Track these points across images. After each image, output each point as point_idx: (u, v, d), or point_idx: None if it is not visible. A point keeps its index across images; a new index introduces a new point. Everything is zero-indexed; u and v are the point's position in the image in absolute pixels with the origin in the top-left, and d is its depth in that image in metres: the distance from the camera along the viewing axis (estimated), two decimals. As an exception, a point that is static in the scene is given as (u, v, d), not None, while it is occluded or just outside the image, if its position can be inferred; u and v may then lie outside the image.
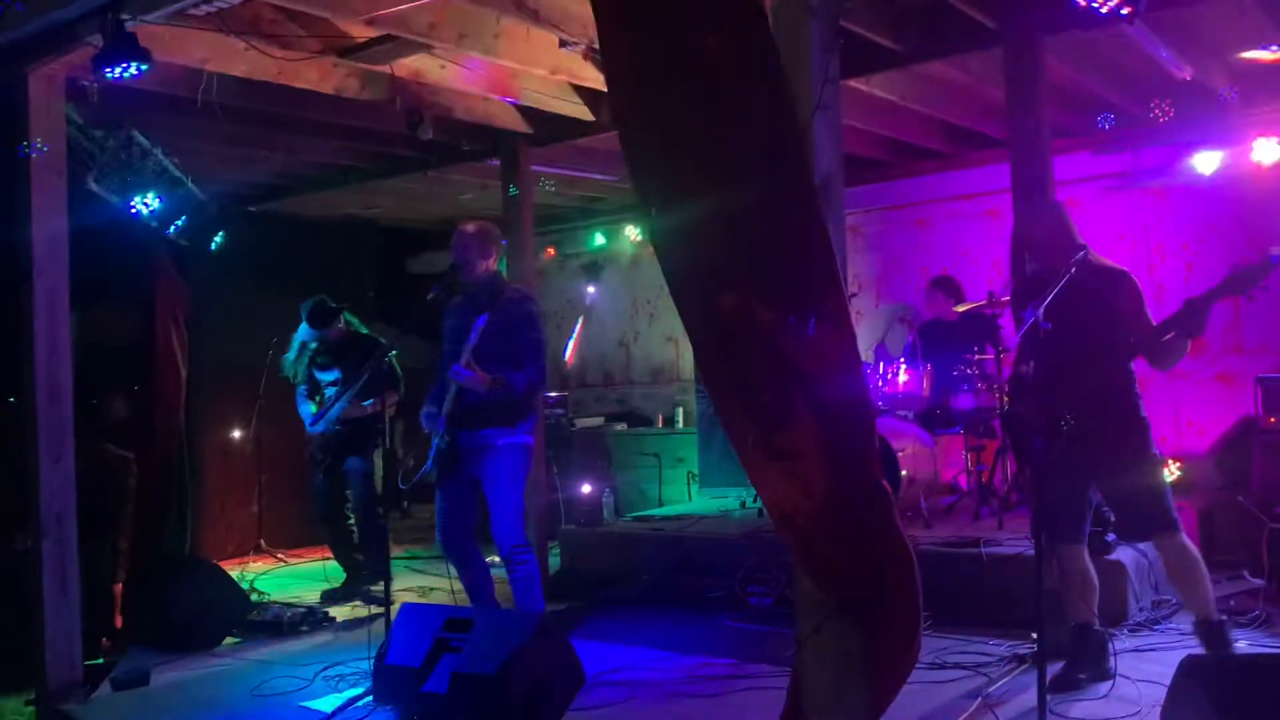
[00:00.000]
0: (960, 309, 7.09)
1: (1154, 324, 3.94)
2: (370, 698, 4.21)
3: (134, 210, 5.72)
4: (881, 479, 2.59)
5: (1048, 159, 4.79)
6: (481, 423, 4.75)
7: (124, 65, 4.01)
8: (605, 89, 5.73)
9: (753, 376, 2.48)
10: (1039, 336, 3.83)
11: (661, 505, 8.27)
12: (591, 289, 10.01)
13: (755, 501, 7.12)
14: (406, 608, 4.40)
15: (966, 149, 7.53)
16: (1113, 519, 4.92)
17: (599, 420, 9.54)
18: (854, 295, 7.35)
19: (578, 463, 8.56)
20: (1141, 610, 5.02)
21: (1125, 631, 4.74)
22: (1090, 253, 4.06)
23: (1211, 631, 3.95)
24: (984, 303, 6.62)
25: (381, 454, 6.18)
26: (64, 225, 4.66)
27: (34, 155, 4.51)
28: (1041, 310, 4.11)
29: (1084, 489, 4.14)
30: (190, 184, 6.10)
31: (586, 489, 7.27)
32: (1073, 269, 3.87)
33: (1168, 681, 3.23)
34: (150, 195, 5.73)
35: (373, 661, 4.19)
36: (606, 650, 4.94)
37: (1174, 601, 5.19)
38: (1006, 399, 4.52)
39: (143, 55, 4.01)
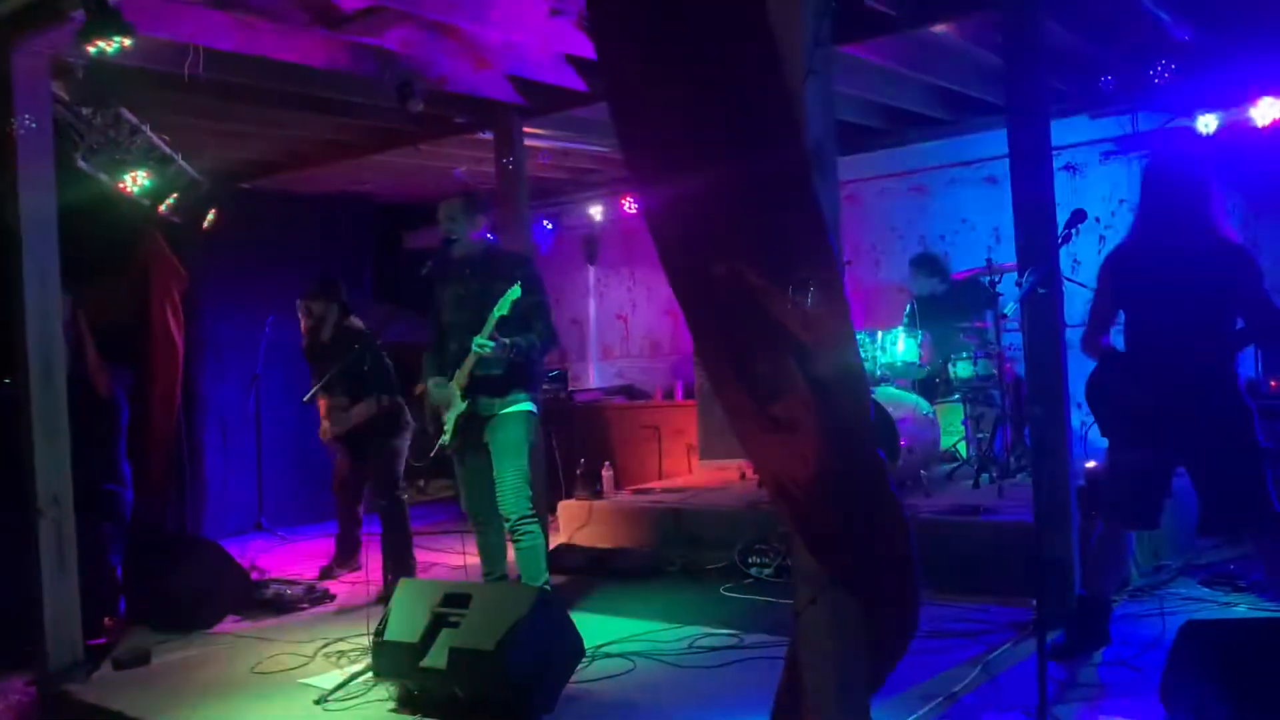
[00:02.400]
0: (958, 275, 7.06)
1: (1272, 303, 3.66)
2: (370, 674, 4.22)
3: (124, 188, 5.67)
4: (876, 449, 2.57)
5: (1046, 124, 4.74)
6: (488, 391, 4.78)
7: (108, 39, 3.95)
8: (596, 58, 5.70)
9: (747, 347, 2.45)
10: (1137, 305, 3.62)
11: (661, 477, 8.28)
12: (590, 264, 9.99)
13: (754, 473, 7.12)
14: (405, 583, 4.40)
15: (964, 115, 7.46)
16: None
17: (598, 393, 9.54)
18: (849, 264, 7.31)
19: (578, 435, 8.56)
20: (1142, 575, 5.02)
21: (1126, 597, 4.74)
22: (1218, 223, 3.73)
23: None
24: (983, 269, 6.60)
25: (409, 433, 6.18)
26: (52, 203, 4.61)
27: (20, 132, 4.46)
28: (1039, 277, 4.04)
29: (1164, 473, 3.88)
30: (181, 161, 6.05)
31: (586, 461, 7.26)
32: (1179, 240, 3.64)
33: (1168, 646, 3.22)
34: (139, 173, 5.69)
35: (372, 638, 4.19)
36: (607, 622, 4.95)
37: (1174, 567, 5.20)
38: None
39: (125, 27, 3.95)
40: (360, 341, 6.02)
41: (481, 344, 4.63)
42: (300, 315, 6.50)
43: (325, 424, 6.30)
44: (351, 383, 6.03)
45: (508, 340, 4.66)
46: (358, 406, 6.11)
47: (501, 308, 4.63)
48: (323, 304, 6.38)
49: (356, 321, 6.36)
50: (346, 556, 6.56)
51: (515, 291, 4.65)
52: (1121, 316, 4.01)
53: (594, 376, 10.04)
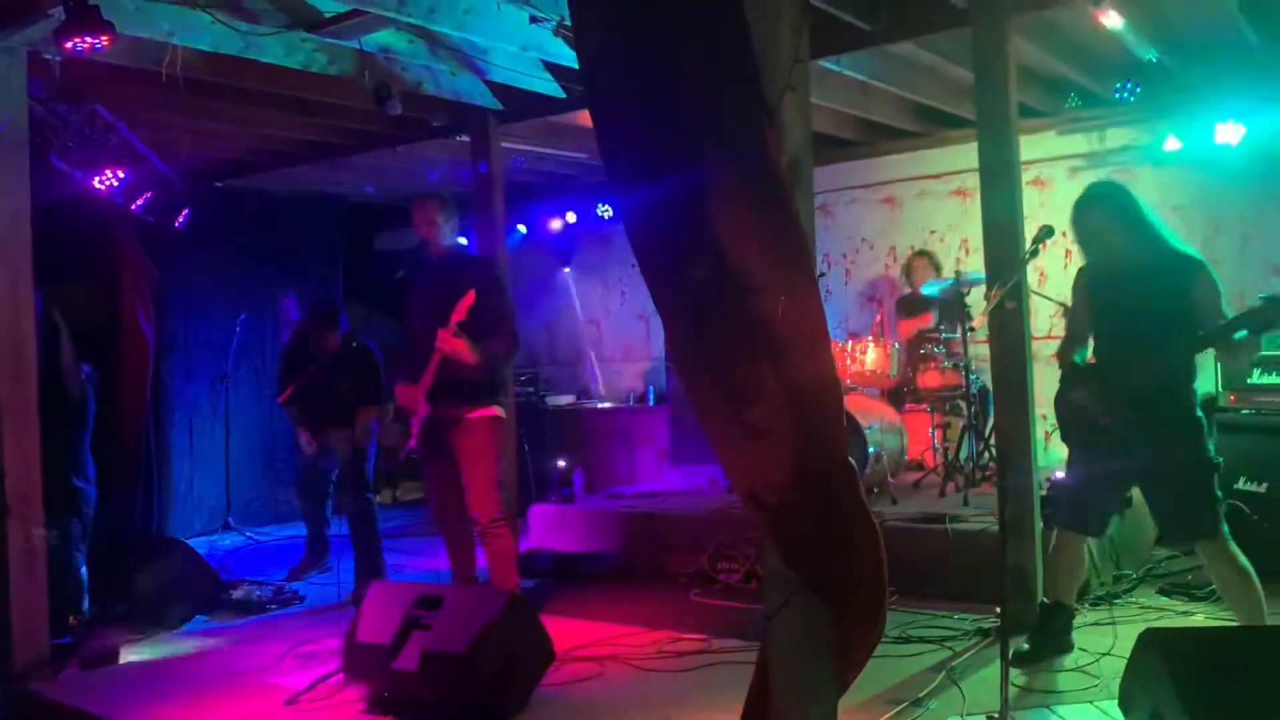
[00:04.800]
0: (927, 289, 7.16)
1: (1225, 315, 3.72)
2: (340, 675, 4.22)
3: (98, 186, 5.64)
4: (848, 455, 2.62)
5: (1015, 139, 4.83)
6: (453, 396, 4.79)
7: (86, 38, 3.94)
8: (575, 65, 5.73)
9: (723, 352, 2.49)
10: (1101, 323, 3.75)
11: (632, 482, 8.31)
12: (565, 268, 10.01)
13: (725, 479, 7.17)
14: (377, 585, 4.41)
15: (935, 129, 7.58)
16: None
17: (570, 397, 9.56)
18: (823, 275, 7.40)
19: (549, 440, 8.58)
20: (1103, 585, 5.11)
21: (1087, 605, 4.82)
22: (1163, 238, 3.86)
23: None
24: (951, 281, 6.69)
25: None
26: (26, 201, 4.59)
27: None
28: (1006, 290, 4.15)
29: (1122, 485, 4.00)
30: (155, 160, 6.02)
31: (558, 466, 7.28)
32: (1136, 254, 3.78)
33: (1127, 654, 3.30)
34: (115, 170, 5.65)
35: (343, 639, 4.20)
36: (577, 626, 4.98)
37: (1134, 576, 5.30)
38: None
39: (105, 26, 3.95)
40: (369, 356, 6.09)
41: (444, 342, 4.60)
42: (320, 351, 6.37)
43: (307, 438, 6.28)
44: (356, 393, 6.05)
45: (476, 346, 4.65)
46: (369, 415, 6.12)
47: (459, 311, 4.63)
48: (329, 335, 6.34)
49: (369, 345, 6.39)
50: (316, 558, 6.54)
51: (473, 297, 4.64)
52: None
53: (566, 380, 10.06)
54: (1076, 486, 4.06)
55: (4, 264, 4.53)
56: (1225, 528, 3.78)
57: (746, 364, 2.50)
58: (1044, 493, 4.88)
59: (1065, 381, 4.10)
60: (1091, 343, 4.13)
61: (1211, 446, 3.86)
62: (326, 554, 6.53)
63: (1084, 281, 4.12)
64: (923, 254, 7.52)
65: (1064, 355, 4.15)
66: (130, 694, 4.33)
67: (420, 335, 4.89)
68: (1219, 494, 3.81)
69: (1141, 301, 3.81)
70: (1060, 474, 4.33)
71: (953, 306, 6.71)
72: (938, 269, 7.39)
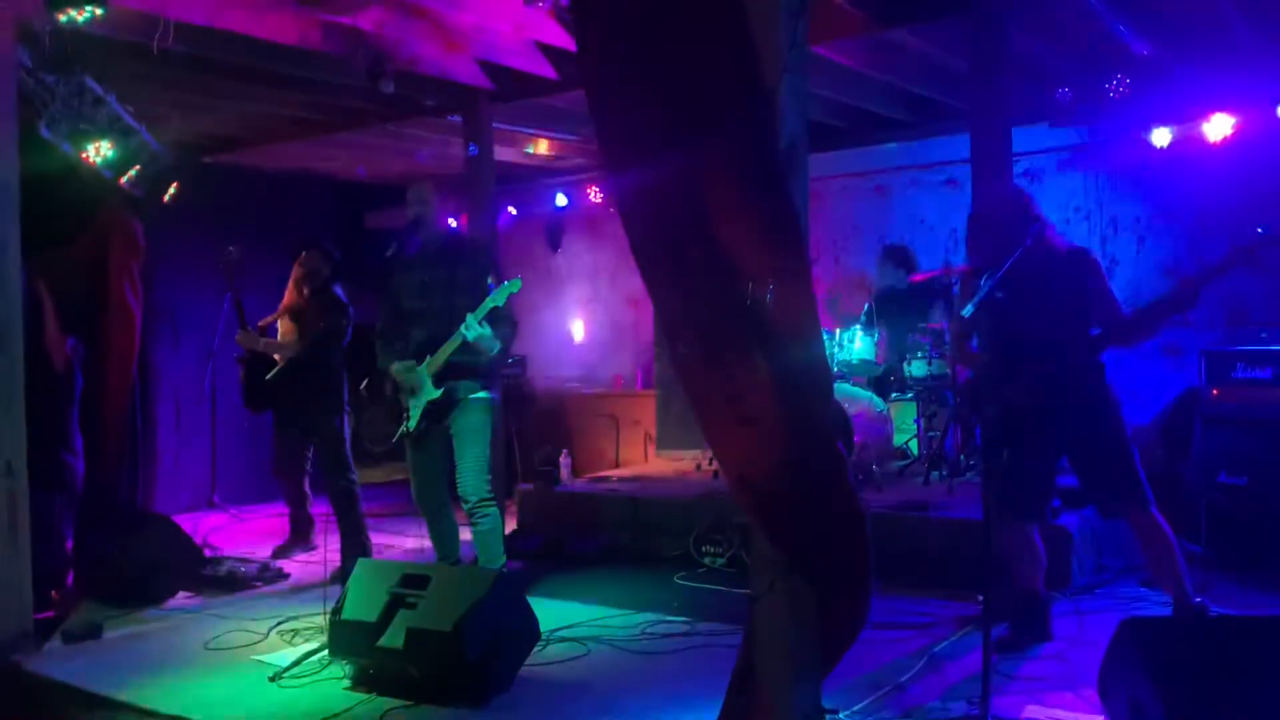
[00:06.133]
0: (916, 277, 7.17)
1: (1116, 300, 3.98)
2: (325, 652, 4.23)
3: (87, 158, 5.60)
4: (836, 441, 2.65)
5: (1007, 130, 4.86)
6: (458, 377, 4.82)
7: (78, 8, 3.91)
8: (569, 47, 5.72)
9: (715, 336, 2.51)
10: (995, 313, 3.85)
11: (618, 466, 8.33)
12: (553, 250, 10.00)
13: (710, 464, 7.20)
14: (363, 563, 4.42)
15: (927, 118, 7.58)
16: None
17: (557, 381, 9.57)
18: (815, 262, 7.42)
19: (535, 423, 8.59)
20: (1084, 575, 5.16)
21: (1068, 595, 4.87)
22: (1048, 230, 4.06)
23: (1188, 612, 3.98)
24: (940, 271, 6.72)
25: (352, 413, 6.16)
26: (14, 171, 4.56)
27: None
28: (995, 282, 4.19)
29: (1049, 467, 4.17)
30: (144, 133, 5.98)
31: (544, 449, 7.30)
32: (1028, 243, 3.90)
33: (1106, 643, 3.34)
34: (103, 143, 5.61)
35: (328, 616, 4.21)
36: (562, 607, 4.99)
37: (1115, 567, 5.35)
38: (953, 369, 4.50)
39: (99, -1, 3.92)
40: (343, 313, 6.00)
41: (470, 327, 4.63)
42: (296, 269, 6.34)
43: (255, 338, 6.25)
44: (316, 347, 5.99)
45: (488, 331, 4.69)
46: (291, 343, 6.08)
47: (498, 298, 4.67)
48: (318, 258, 6.29)
49: (339, 292, 6.31)
50: (301, 536, 6.54)
51: (516, 285, 4.73)
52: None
53: (554, 364, 10.07)
54: (1013, 477, 4.10)
55: (-8, 234, 4.50)
56: (1149, 497, 3.99)
57: (738, 349, 2.52)
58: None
59: (974, 377, 4.31)
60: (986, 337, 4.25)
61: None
62: (311, 530, 6.53)
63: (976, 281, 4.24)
64: (892, 252, 7.47)
65: (960, 349, 4.37)
66: (113, 668, 4.33)
67: (414, 316, 4.91)
68: (1139, 467, 4.01)
69: (1037, 292, 3.95)
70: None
71: (940, 296, 6.74)
72: (908, 267, 7.34)
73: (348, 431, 6.10)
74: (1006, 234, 4.03)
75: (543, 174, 9.63)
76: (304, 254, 6.35)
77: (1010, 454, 4.06)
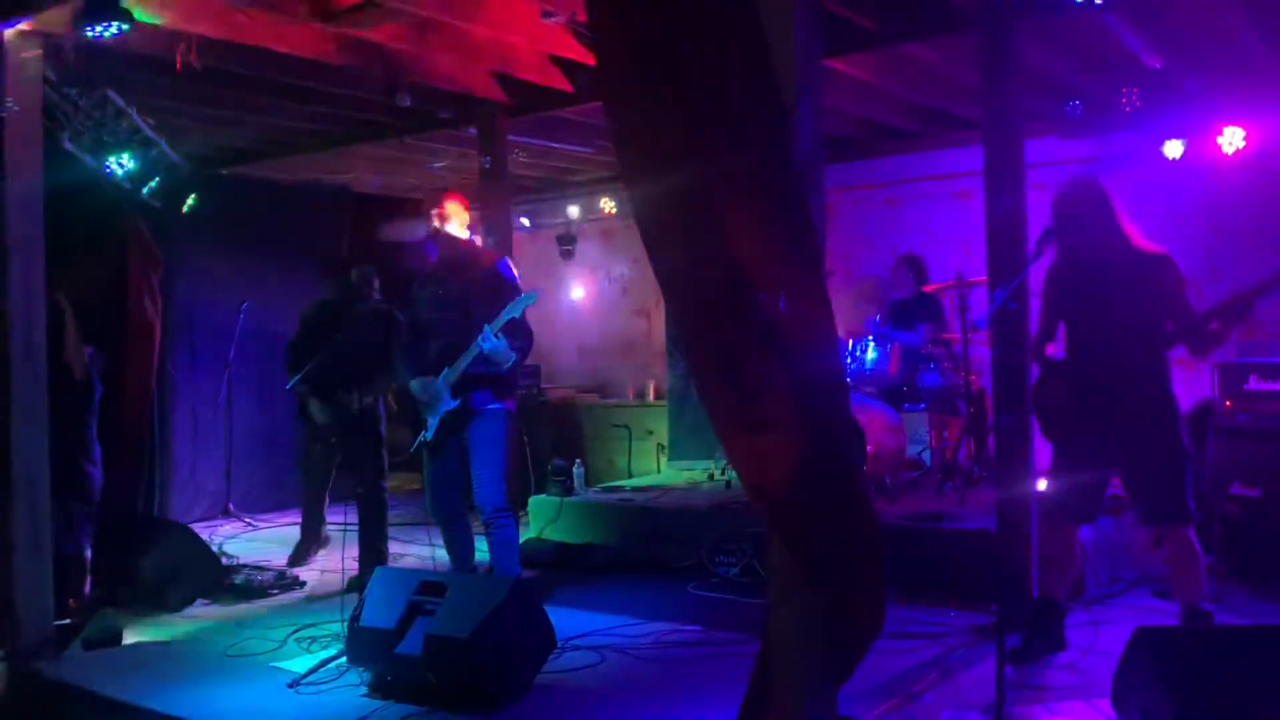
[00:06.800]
0: (928, 289, 7.21)
1: (1192, 307, 3.97)
2: (343, 659, 4.27)
3: (108, 171, 5.67)
4: (852, 450, 2.67)
5: (1019, 142, 4.88)
6: (474, 388, 4.86)
7: (104, 24, 3.98)
8: (583, 61, 5.78)
9: (732, 347, 2.54)
10: (1073, 318, 3.87)
11: (631, 476, 8.36)
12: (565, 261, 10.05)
13: (723, 474, 7.23)
14: (381, 571, 4.47)
15: (938, 130, 7.62)
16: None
17: (570, 391, 9.60)
18: (831, 274, 7.45)
19: (548, 433, 8.63)
20: (1098, 585, 5.16)
21: (1082, 605, 4.88)
22: (1132, 235, 4.03)
23: (1196, 618, 4.04)
24: (952, 283, 6.74)
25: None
26: (40, 184, 4.64)
27: (9, 113, 4.47)
28: (1009, 292, 4.25)
29: (1106, 472, 4.16)
30: (164, 146, 6.05)
31: (557, 458, 7.33)
32: (1107, 249, 3.91)
33: (1120, 653, 3.35)
34: (124, 156, 5.68)
35: (346, 624, 4.25)
36: (576, 616, 5.02)
37: (1129, 578, 5.35)
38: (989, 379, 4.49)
39: (123, 14, 3.99)
40: (393, 324, 6.03)
41: (486, 338, 4.67)
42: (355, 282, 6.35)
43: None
44: (365, 363, 6.04)
45: (504, 342, 4.73)
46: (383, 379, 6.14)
47: (514, 310, 4.72)
48: (361, 272, 6.32)
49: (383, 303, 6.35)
50: (312, 538, 6.56)
51: (531, 297, 4.78)
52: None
53: (567, 374, 10.11)
54: (1068, 477, 4.15)
55: (17, 248, 4.57)
56: (1193, 516, 4.01)
57: (754, 361, 2.55)
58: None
59: (1045, 376, 4.28)
60: (1063, 339, 4.26)
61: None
62: (323, 526, 6.56)
63: (1051, 282, 4.27)
64: (906, 260, 7.51)
65: (1037, 351, 4.32)
66: (133, 675, 4.38)
67: (431, 328, 4.95)
68: (1189, 485, 4.01)
69: (1116, 298, 3.96)
70: (1046, 467, 4.44)
71: (946, 308, 6.78)
72: (919, 277, 7.38)
73: (383, 430, 6.16)
74: (1089, 221, 4.02)
75: (556, 186, 9.69)
76: (354, 271, 6.39)
77: (1069, 453, 4.12)
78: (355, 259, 6.47)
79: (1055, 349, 4.34)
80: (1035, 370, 4.42)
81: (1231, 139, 6.39)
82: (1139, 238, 4.07)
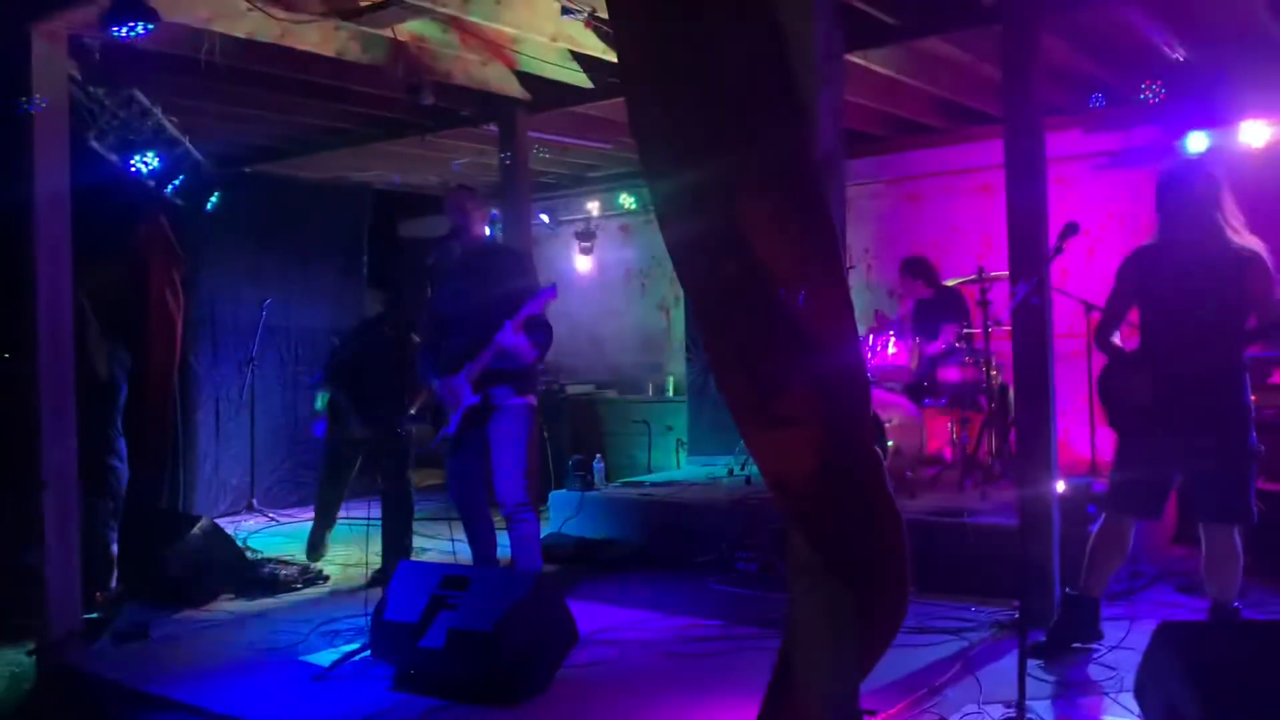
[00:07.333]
0: (951, 283, 7.19)
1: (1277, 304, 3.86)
2: (367, 652, 4.31)
3: (132, 169, 5.73)
4: (874, 445, 2.68)
5: (1041, 136, 4.86)
6: (495, 383, 4.88)
7: (131, 24, 4.03)
8: (604, 57, 5.79)
9: (754, 343, 2.54)
10: (1157, 309, 3.83)
11: (650, 472, 8.38)
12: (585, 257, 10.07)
13: (742, 470, 7.23)
14: (404, 565, 4.50)
15: (960, 124, 7.58)
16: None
17: (590, 387, 9.63)
18: (851, 269, 7.44)
19: (568, 428, 8.66)
20: (1120, 581, 5.14)
21: (1104, 601, 4.85)
22: (1228, 228, 3.91)
23: (1225, 615, 3.99)
24: (973, 277, 6.72)
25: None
26: (66, 182, 4.68)
27: (36, 112, 4.52)
28: (1031, 287, 4.21)
29: (1173, 466, 4.07)
30: (188, 144, 6.10)
31: (577, 454, 7.36)
32: (1199, 241, 3.85)
33: (1143, 648, 3.34)
34: (149, 154, 5.74)
35: (370, 618, 4.28)
36: (597, 610, 5.04)
37: (1151, 573, 5.33)
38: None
39: (150, 14, 4.03)
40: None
41: (506, 334, 4.70)
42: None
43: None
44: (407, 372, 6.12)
45: (524, 338, 4.76)
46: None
47: (534, 306, 4.74)
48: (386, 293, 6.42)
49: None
50: (324, 525, 6.61)
51: (550, 293, 4.81)
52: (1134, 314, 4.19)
53: (587, 370, 10.13)
54: (1134, 469, 4.07)
55: (44, 245, 4.62)
56: (1250, 516, 3.94)
57: (775, 357, 2.56)
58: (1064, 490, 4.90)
59: (1117, 365, 4.17)
60: (1141, 327, 4.15)
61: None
62: (337, 509, 6.60)
63: (1140, 266, 4.12)
64: (910, 265, 7.46)
65: (1102, 338, 4.20)
66: (162, 668, 4.43)
67: (452, 323, 4.98)
68: (1253, 487, 3.94)
69: (1205, 292, 3.87)
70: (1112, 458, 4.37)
71: (968, 302, 6.76)
72: (927, 278, 7.35)
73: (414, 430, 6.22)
74: (1198, 208, 3.93)
75: (575, 182, 9.70)
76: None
77: (1135, 447, 4.07)
78: (400, 271, 6.48)
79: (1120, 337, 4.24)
80: (1100, 358, 4.28)
81: (1256, 132, 6.33)
82: (1238, 230, 3.94)
